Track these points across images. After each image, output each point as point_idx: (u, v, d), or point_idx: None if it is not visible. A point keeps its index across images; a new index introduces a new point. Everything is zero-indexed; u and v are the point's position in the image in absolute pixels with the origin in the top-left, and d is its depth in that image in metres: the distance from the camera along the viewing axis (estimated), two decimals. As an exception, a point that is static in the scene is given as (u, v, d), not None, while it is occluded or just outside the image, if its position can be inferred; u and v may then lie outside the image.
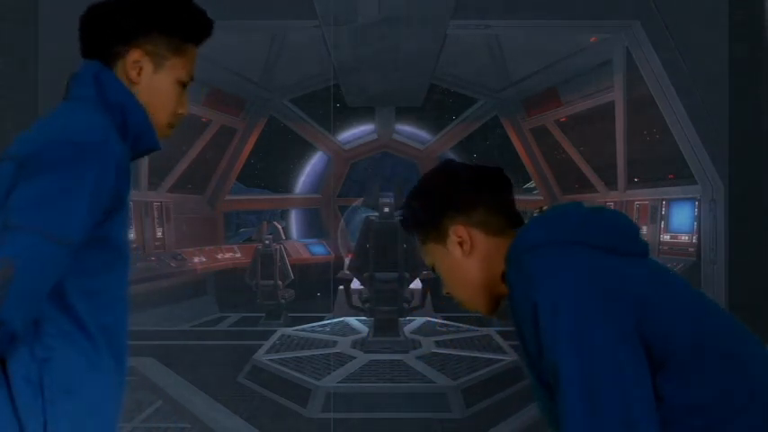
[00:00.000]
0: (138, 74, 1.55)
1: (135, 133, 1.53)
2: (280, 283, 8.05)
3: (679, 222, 6.46)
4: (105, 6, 1.56)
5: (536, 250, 1.41)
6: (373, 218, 6.64)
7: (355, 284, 6.81)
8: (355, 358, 5.71)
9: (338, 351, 5.94)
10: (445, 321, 7.02)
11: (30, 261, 1.33)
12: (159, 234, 7.97)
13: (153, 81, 1.56)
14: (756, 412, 1.30)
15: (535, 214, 1.53)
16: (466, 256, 1.53)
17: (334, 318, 7.24)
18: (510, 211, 1.57)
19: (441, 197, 1.56)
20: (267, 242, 8.14)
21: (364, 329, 6.49)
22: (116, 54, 1.55)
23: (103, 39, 1.56)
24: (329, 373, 5.37)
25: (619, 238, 1.44)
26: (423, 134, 9.85)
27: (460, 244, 1.53)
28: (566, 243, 1.40)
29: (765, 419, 1.30)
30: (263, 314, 7.98)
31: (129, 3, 1.56)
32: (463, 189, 1.56)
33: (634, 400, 1.26)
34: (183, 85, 1.60)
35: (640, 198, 7.09)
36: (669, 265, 6.20)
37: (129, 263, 1.55)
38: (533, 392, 1.47)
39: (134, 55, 1.54)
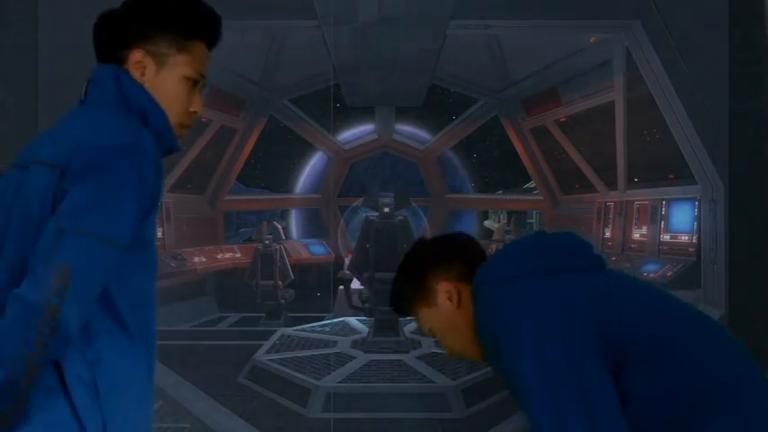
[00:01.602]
0: (143, 74, 1.55)
1: (155, 134, 1.54)
2: (280, 283, 8.05)
3: (679, 222, 6.45)
4: (109, 13, 1.59)
5: (492, 283, 1.52)
6: (373, 218, 6.63)
7: (355, 284, 6.81)
8: (355, 358, 5.72)
9: (338, 351, 5.94)
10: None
11: (86, 264, 1.36)
12: (159, 234, 7.97)
13: (157, 80, 1.57)
14: (715, 402, 1.37)
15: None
16: (457, 308, 1.62)
17: (334, 318, 7.24)
18: (482, 260, 1.66)
19: (419, 260, 1.70)
20: (267, 242, 8.14)
21: (364, 329, 6.49)
22: (122, 57, 1.56)
23: (108, 44, 1.58)
24: (329, 373, 5.37)
25: (572, 259, 1.53)
26: (423, 134, 9.84)
27: (449, 298, 1.62)
28: (520, 274, 1.50)
29: (725, 408, 1.36)
30: (263, 314, 7.98)
31: (128, 6, 1.58)
32: (437, 248, 1.70)
33: (597, 414, 1.34)
34: (193, 82, 1.60)
35: (640, 198, 7.09)
36: (669, 265, 6.22)
37: (157, 261, 1.58)
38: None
39: (136, 56, 1.56)
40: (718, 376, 1.39)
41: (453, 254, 1.67)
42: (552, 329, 1.39)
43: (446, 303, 1.62)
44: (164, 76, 1.57)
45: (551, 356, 1.36)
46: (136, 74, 1.55)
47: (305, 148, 10.03)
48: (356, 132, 9.93)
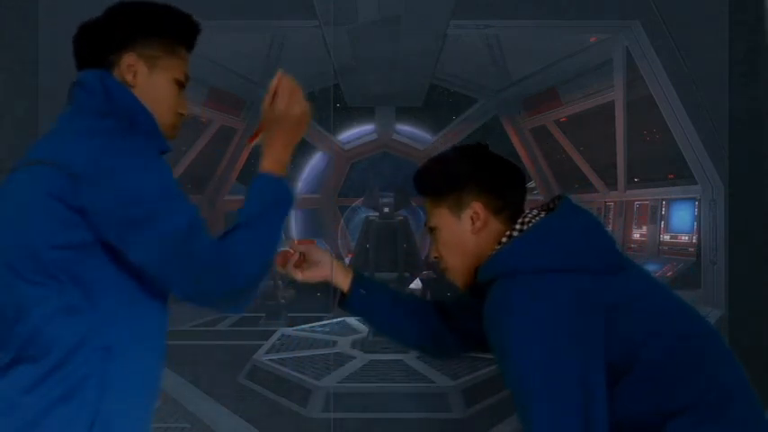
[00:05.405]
0: (134, 77, 1.57)
1: (144, 136, 1.56)
2: (280, 282, 8.04)
3: (679, 222, 6.45)
4: (94, 22, 1.62)
5: (514, 277, 1.43)
6: (373, 218, 6.64)
7: (355, 284, 6.79)
8: (355, 358, 5.71)
9: (338, 351, 5.94)
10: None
11: (191, 225, 1.57)
12: (159, 234, 7.96)
13: (149, 82, 1.60)
14: (718, 418, 1.36)
15: (520, 226, 1.54)
16: (472, 233, 1.59)
17: (334, 318, 7.24)
18: (518, 206, 1.62)
19: (472, 172, 1.61)
20: (267, 242, 8.12)
21: (364, 329, 6.49)
22: (111, 62, 1.59)
23: (97, 50, 1.60)
24: (329, 373, 5.37)
25: (599, 260, 1.46)
26: (423, 134, 9.84)
27: (473, 220, 1.58)
28: (543, 271, 1.41)
29: (735, 424, 1.37)
30: (263, 314, 7.97)
31: (116, 13, 1.61)
32: (493, 173, 1.62)
33: (594, 429, 1.31)
34: (181, 84, 1.63)
35: (640, 198, 7.09)
36: (669, 265, 6.22)
37: None
38: None
39: (128, 59, 1.58)
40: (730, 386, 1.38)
41: (505, 187, 1.60)
42: (570, 334, 1.33)
43: (467, 222, 1.58)
44: (155, 79, 1.60)
45: (564, 362, 1.32)
46: (128, 77, 1.58)
47: (305, 148, 10.02)
48: (356, 132, 9.92)
